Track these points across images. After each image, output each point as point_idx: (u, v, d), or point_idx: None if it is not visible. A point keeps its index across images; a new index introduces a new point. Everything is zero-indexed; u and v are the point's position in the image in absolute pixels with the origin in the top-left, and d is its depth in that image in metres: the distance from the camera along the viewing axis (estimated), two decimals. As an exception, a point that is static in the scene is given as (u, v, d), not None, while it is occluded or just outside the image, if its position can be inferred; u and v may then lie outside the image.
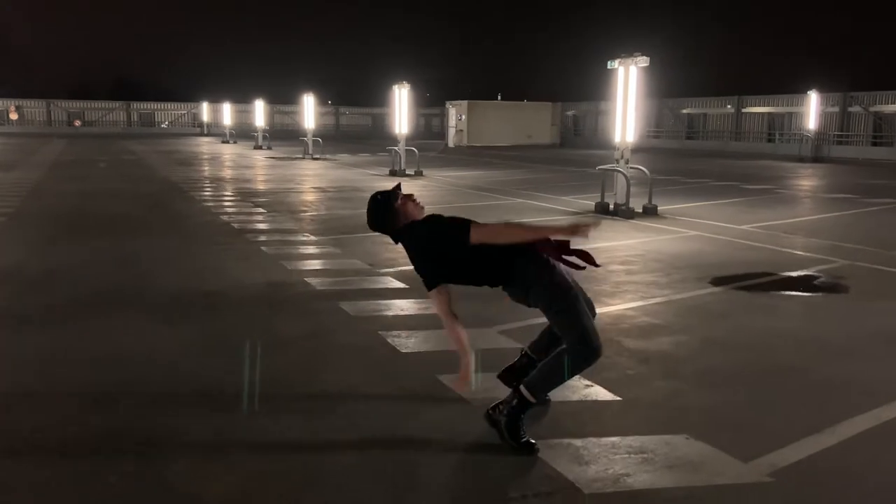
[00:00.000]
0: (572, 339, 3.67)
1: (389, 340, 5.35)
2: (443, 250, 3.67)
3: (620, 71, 12.66)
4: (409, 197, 3.86)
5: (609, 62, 12.84)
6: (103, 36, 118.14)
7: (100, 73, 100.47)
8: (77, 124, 56.78)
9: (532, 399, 3.69)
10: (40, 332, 5.56)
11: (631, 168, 12.72)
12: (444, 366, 4.78)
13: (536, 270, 3.71)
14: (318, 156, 28.54)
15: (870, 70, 58.53)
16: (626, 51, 12.65)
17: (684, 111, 44.59)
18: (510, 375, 4.09)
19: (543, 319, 6.00)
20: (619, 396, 4.36)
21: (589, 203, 13.55)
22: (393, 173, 20.96)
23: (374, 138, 49.34)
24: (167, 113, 62.22)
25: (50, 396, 4.27)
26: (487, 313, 6.17)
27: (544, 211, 13.11)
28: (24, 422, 3.90)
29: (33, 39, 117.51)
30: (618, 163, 12.79)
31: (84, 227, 10.66)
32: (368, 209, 3.90)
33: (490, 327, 5.74)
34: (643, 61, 12.41)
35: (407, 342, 5.34)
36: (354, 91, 68.06)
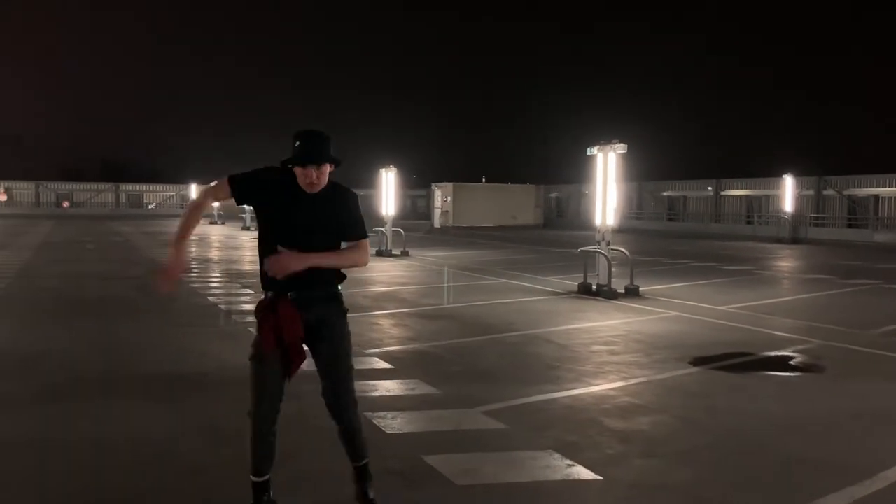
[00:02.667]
0: None
1: (375, 422, 5.42)
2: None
3: (599, 157, 13.11)
4: None
5: (588, 149, 13.31)
6: (91, 118, 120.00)
7: (88, 154, 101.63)
8: (65, 205, 57.11)
9: (251, 478, 3.73)
10: (28, 415, 5.58)
11: (612, 249, 13.01)
12: (431, 447, 4.86)
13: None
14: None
15: (842, 155, 60.34)
16: (605, 137, 13.15)
17: (664, 193, 45.58)
18: None
19: (529, 399, 6.15)
20: (600, 475, 4.44)
21: (572, 283, 13.77)
22: (379, 253, 21.19)
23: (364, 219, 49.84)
24: (156, 194, 62.76)
25: (37, 481, 4.30)
26: (469, 392, 6.29)
27: (527, 291, 13.31)
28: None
29: (22, 122, 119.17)
30: (599, 244, 13.09)
31: (71, 310, 10.72)
32: (316, 138, 3.55)
33: (473, 407, 5.83)
34: (621, 148, 12.88)
35: (392, 423, 5.41)
36: (340, 172, 69.00)
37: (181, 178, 61.18)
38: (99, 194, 60.33)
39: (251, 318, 9.69)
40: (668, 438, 5.20)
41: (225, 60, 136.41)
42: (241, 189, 3.59)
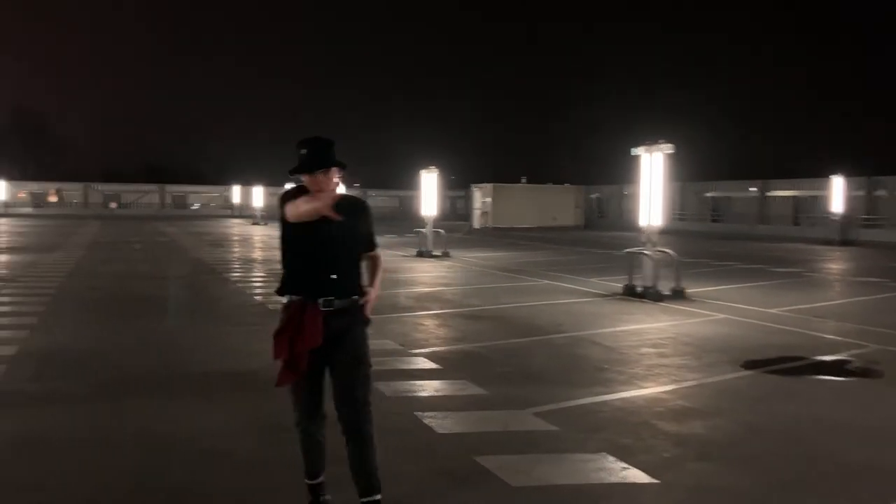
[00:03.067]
0: None
1: (426, 421, 5.42)
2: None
3: (645, 157, 12.95)
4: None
5: (633, 149, 13.15)
6: (137, 120, 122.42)
7: (133, 156, 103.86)
8: (113, 206, 58.41)
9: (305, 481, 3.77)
10: (85, 411, 5.70)
11: (658, 251, 12.85)
12: (482, 447, 4.84)
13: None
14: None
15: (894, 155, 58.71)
16: (648, 137, 12.99)
17: (708, 194, 44.92)
18: None
19: (579, 401, 6.09)
20: (656, 479, 4.38)
21: (616, 285, 13.63)
22: (420, 254, 21.24)
23: (401, 220, 50.09)
24: (200, 195, 63.79)
25: (95, 476, 4.39)
26: (518, 393, 6.26)
27: (571, 292, 13.21)
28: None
29: (70, 125, 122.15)
30: (644, 246, 12.93)
31: (122, 309, 10.93)
32: (320, 145, 3.59)
33: (523, 409, 5.80)
34: (667, 148, 12.71)
35: (443, 423, 5.40)
36: (383, 174, 69.35)
37: (224, 180, 62.16)
38: (145, 195, 61.58)
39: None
40: (724, 442, 5.11)
41: (269, 63, 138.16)
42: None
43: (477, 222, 43.67)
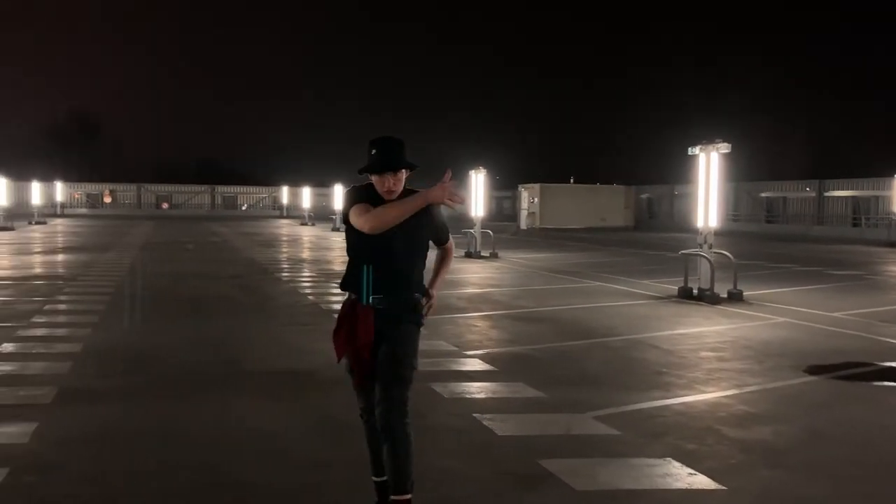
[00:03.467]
0: None
1: (485, 423, 5.40)
2: None
3: (702, 157, 12.72)
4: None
5: (690, 149, 12.93)
6: (187, 122, 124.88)
7: (183, 157, 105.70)
8: (165, 206, 59.73)
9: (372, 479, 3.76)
10: (150, 408, 5.82)
11: (714, 252, 12.60)
12: (544, 450, 4.80)
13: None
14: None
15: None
16: (702, 136, 12.76)
17: (763, 194, 43.95)
18: None
19: (639, 405, 6.01)
20: (724, 486, 4.28)
21: (670, 287, 13.42)
22: (468, 255, 21.21)
23: (448, 221, 50.16)
24: (249, 196, 64.81)
25: (161, 471, 4.47)
26: (576, 396, 6.19)
27: (625, 294, 13.04)
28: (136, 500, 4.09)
29: (123, 127, 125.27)
30: (700, 247, 12.70)
31: (178, 307, 11.13)
32: (391, 145, 3.58)
33: (583, 412, 5.73)
34: (724, 148, 12.46)
35: (503, 425, 5.36)
36: (428, 174, 69.48)
37: (272, 181, 63.05)
38: (196, 196, 62.80)
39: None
40: (792, 449, 4.97)
41: (313, 62, 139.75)
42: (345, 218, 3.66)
43: (524, 223, 43.45)
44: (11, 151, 66.55)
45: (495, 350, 8.17)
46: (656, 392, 6.41)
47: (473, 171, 22.81)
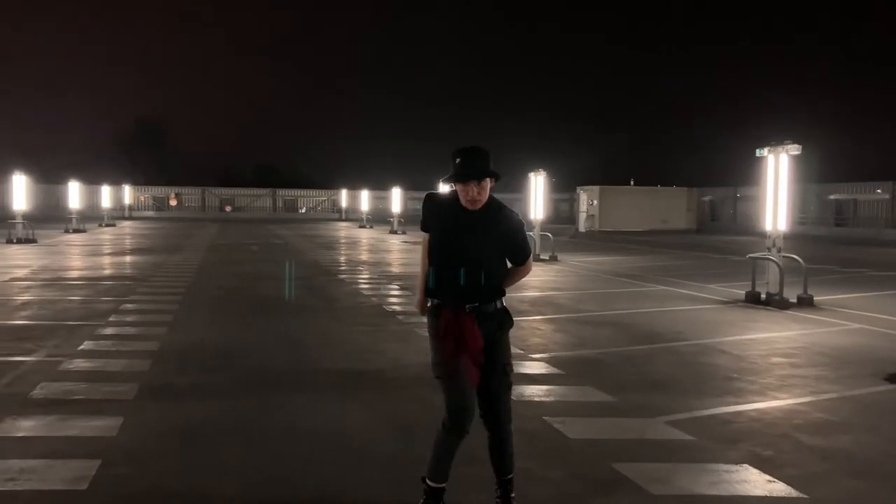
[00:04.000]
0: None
1: (556, 426, 5.40)
2: None
3: (770, 159, 12.45)
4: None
5: (758, 150, 12.66)
6: (247, 126, 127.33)
7: (244, 161, 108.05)
8: (228, 209, 61.13)
9: (430, 484, 3.74)
10: (229, 404, 5.99)
11: (784, 256, 12.31)
12: (617, 454, 4.78)
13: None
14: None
15: None
16: (769, 137, 12.50)
17: (831, 197, 42.62)
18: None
19: (712, 410, 5.93)
20: (805, 494, 4.20)
21: (737, 292, 13.17)
22: (528, 258, 21.15)
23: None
24: (309, 199, 65.82)
25: (241, 465, 4.60)
26: (647, 401, 6.14)
27: (690, 299, 12.84)
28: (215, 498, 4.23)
29: (187, 131, 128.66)
30: (769, 251, 12.43)
31: (248, 308, 11.41)
32: (476, 154, 3.62)
33: (654, 417, 5.68)
34: (794, 149, 12.17)
35: (574, 428, 5.36)
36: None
37: (331, 184, 63.89)
38: (257, 199, 64.09)
39: (415, 319, 9.99)
40: (876, 459, 4.84)
41: (373, 65, 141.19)
42: (429, 228, 3.80)
43: (583, 225, 43.09)
44: (82, 156, 69.21)
45: (561, 353, 8.15)
46: (729, 398, 6.32)
47: (533, 173, 22.77)
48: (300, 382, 6.73)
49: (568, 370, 7.29)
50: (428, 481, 3.75)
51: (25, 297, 12.00)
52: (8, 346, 8.07)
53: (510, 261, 3.80)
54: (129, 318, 10.01)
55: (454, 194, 3.67)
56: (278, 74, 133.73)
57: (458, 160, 3.59)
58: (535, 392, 6.45)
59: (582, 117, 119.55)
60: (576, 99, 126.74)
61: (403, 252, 24.51)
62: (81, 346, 8.02)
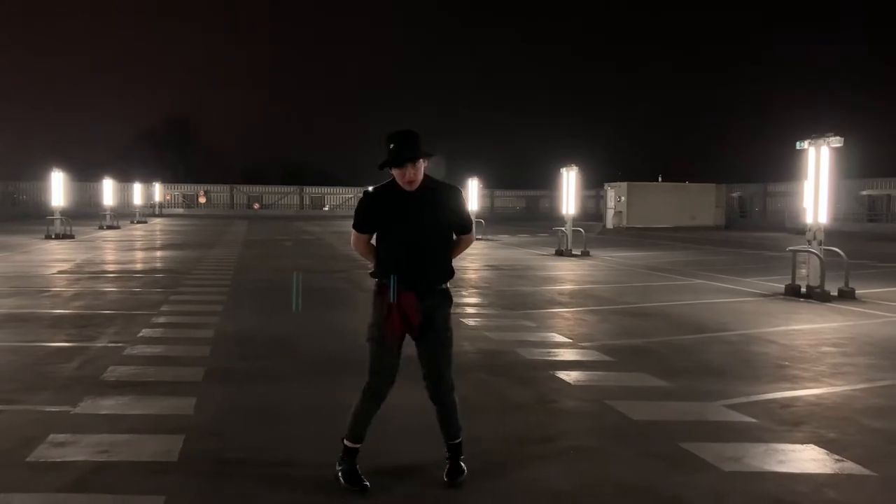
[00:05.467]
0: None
1: (618, 408, 5.51)
2: None
3: (811, 151, 12.42)
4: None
5: (798, 143, 12.64)
6: (272, 124, 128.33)
7: (271, 158, 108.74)
8: (256, 207, 61.67)
9: (347, 444, 4.05)
10: (297, 387, 6.16)
11: (825, 249, 12.29)
12: (683, 435, 4.88)
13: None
14: (479, 237, 29.37)
15: None
16: (807, 132, 12.47)
17: (864, 192, 42.12)
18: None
19: (769, 395, 6.00)
20: (875, 472, 4.27)
21: (775, 285, 13.16)
22: (559, 253, 21.23)
23: (530, 220, 50.13)
24: (335, 196, 66.19)
25: (317, 442, 4.76)
26: (702, 386, 6.23)
27: (729, 292, 12.85)
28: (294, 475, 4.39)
29: (214, 129, 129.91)
30: (809, 244, 12.41)
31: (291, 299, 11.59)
32: (407, 137, 3.81)
33: (712, 401, 5.77)
34: (836, 142, 12.12)
35: (636, 411, 5.46)
36: (507, 175, 69.36)
37: (357, 181, 64.19)
38: (285, 196, 64.58)
39: (457, 310, 10.12)
40: (940, 441, 4.89)
41: (402, 64, 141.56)
42: (367, 226, 4.06)
43: (610, 222, 42.97)
44: (113, 154, 70.15)
45: (609, 342, 8.24)
46: (783, 384, 6.39)
47: (565, 168, 22.82)
48: (359, 368, 6.85)
49: (618, 357, 7.38)
50: (345, 441, 4.07)
51: (76, 289, 12.30)
52: (70, 333, 8.32)
53: (455, 232, 4.05)
54: (180, 308, 10.25)
55: (390, 183, 3.90)
56: (304, 72, 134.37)
57: (391, 146, 3.79)
58: (590, 377, 6.56)
59: (607, 114, 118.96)
60: (598, 98, 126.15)
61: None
62: (140, 334, 8.25)
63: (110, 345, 7.70)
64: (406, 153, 3.77)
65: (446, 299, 4.03)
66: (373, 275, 4.09)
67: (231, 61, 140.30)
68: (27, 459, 4.31)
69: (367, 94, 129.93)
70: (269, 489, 4.01)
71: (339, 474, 4.02)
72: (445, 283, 4.02)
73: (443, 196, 3.92)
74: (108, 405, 5.45)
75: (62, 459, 4.32)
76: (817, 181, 12.40)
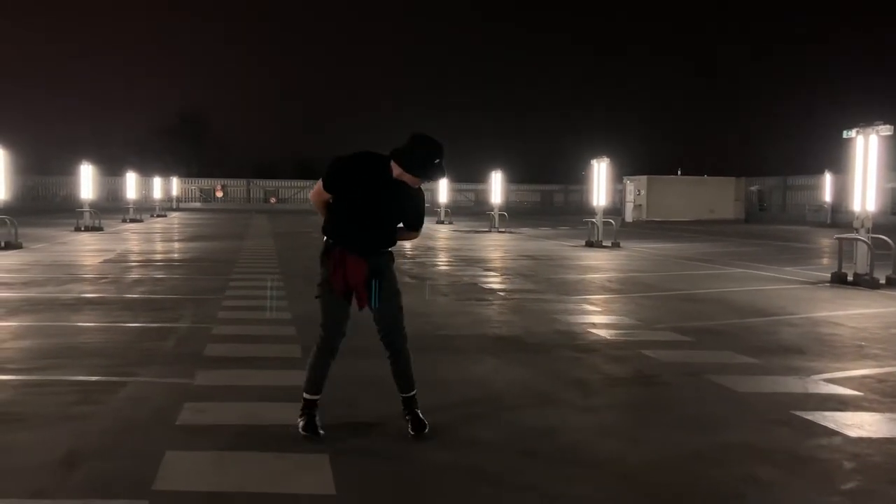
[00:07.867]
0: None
1: (721, 382, 5.64)
2: None
3: (859, 140, 12.52)
4: None
5: (846, 131, 12.76)
6: (285, 120, 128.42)
7: (281, 153, 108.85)
8: (273, 201, 61.89)
9: (307, 396, 4.42)
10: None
11: (874, 237, 12.40)
12: (795, 405, 5.02)
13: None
14: (503, 229, 29.45)
15: None
16: (863, 119, 12.57)
17: (890, 185, 41.93)
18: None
19: (862, 371, 6.11)
20: None
21: (818, 274, 13.29)
22: (590, 244, 21.31)
23: (544, 214, 50.19)
24: (348, 190, 66.40)
25: (426, 409, 4.92)
26: (792, 363, 6.36)
27: (774, 280, 12.96)
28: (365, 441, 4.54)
29: (228, 124, 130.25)
30: (857, 231, 12.51)
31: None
32: (441, 155, 4.16)
33: (808, 375, 5.91)
34: (886, 130, 12.22)
35: (738, 384, 5.60)
36: (522, 170, 69.37)
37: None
38: (301, 191, 64.76)
39: (517, 296, 10.27)
40: None
41: (414, 58, 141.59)
42: (335, 189, 4.37)
43: (629, 215, 43.00)
44: (126, 149, 70.39)
45: (679, 324, 8.36)
46: (868, 361, 6.52)
47: (595, 160, 22.92)
48: (444, 346, 7.02)
49: (695, 338, 7.51)
50: (305, 394, 4.43)
51: (133, 276, 12.48)
52: (151, 315, 8.50)
53: (407, 226, 4.50)
54: (244, 293, 10.43)
55: (381, 160, 4.21)
56: (321, 66, 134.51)
57: (436, 161, 4.13)
58: (679, 356, 6.67)
59: (627, 108, 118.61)
60: (617, 91, 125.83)
61: (463, 240, 24.76)
62: (219, 315, 8.42)
63: (195, 325, 7.88)
64: (439, 172, 4.17)
65: (390, 258, 4.45)
66: (324, 231, 4.43)
67: (240, 57, 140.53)
68: (177, 423, 4.47)
69: (376, 92, 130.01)
70: (416, 448, 4.16)
71: (300, 425, 4.33)
72: (389, 250, 4.45)
73: (414, 196, 4.34)
74: (225, 377, 5.62)
75: (213, 423, 4.49)
76: (865, 170, 12.50)
